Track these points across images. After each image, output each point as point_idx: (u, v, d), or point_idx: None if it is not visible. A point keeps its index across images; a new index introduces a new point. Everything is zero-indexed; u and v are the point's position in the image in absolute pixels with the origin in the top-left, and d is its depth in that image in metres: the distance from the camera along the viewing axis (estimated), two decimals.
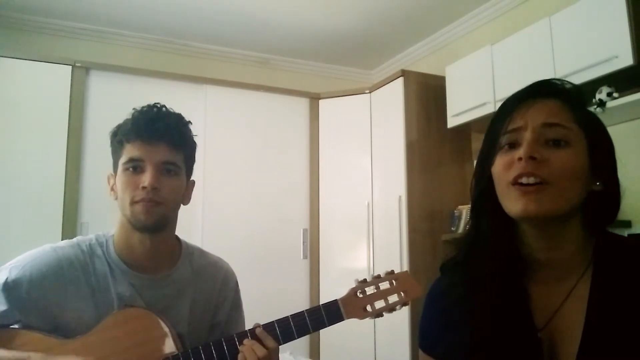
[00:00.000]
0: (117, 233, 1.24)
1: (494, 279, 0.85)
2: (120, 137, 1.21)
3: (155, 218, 1.18)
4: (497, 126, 0.86)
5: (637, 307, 0.75)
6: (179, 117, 1.25)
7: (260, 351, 1.13)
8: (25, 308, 1.15)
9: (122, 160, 1.19)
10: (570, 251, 0.83)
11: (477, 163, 0.90)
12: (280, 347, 1.18)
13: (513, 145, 0.83)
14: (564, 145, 0.80)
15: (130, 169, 1.18)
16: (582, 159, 0.80)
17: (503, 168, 0.83)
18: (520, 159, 0.79)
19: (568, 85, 0.86)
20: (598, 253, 0.82)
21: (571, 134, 0.80)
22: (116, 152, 1.22)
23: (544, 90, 0.85)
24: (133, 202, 1.17)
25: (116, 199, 1.23)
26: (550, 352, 0.80)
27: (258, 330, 1.17)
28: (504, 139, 0.84)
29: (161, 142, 1.18)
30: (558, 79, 0.87)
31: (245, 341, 1.16)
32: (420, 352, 0.96)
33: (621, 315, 0.76)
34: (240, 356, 1.14)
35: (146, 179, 1.15)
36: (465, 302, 0.86)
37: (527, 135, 0.81)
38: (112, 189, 1.24)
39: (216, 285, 1.33)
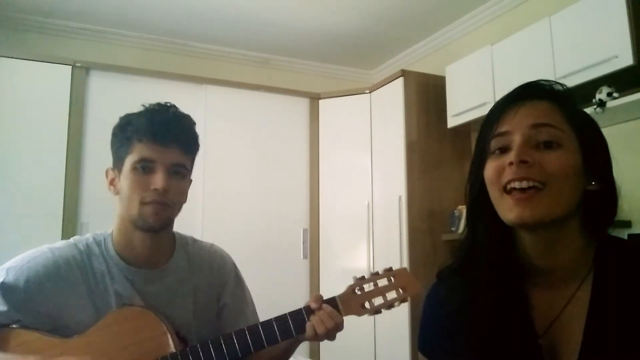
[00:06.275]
0: (116, 230, 1.23)
1: (493, 286, 0.83)
2: (130, 134, 1.17)
3: (164, 220, 1.19)
4: (486, 130, 0.84)
5: (638, 312, 0.74)
6: (191, 120, 1.25)
7: (329, 322, 1.16)
8: (23, 309, 1.15)
9: (132, 158, 1.16)
10: (570, 256, 0.81)
11: (470, 168, 0.88)
12: None
13: (503, 150, 0.81)
14: (555, 147, 0.78)
15: (140, 168, 1.16)
16: (575, 160, 0.78)
17: (494, 174, 0.81)
18: (511, 163, 0.77)
19: (557, 86, 0.84)
20: (599, 257, 0.81)
21: (562, 134, 0.78)
22: (123, 147, 1.19)
23: (532, 92, 0.83)
24: (143, 203, 1.15)
25: (116, 194, 1.21)
26: (551, 359, 0.79)
27: (324, 305, 1.17)
28: (493, 143, 0.82)
29: (173, 145, 1.18)
30: (547, 80, 0.85)
31: (317, 312, 1.17)
32: (420, 356, 0.95)
33: (622, 321, 0.75)
34: (308, 325, 1.17)
35: (158, 181, 1.14)
36: (465, 309, 0.85)
37: (517, 139, 0.79)
38: (111, 184, 1.22)
39: (214, 269, 1.33)
